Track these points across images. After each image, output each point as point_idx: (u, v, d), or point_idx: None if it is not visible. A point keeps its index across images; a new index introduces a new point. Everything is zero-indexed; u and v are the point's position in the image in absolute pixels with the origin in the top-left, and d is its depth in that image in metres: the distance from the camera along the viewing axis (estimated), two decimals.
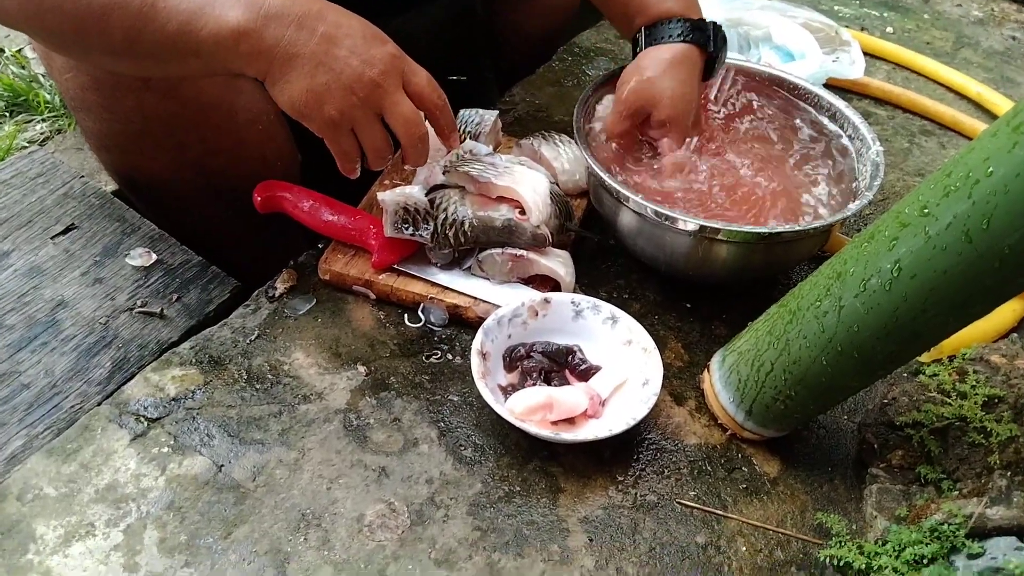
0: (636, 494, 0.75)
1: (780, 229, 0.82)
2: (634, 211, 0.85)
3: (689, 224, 0.82)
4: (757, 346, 0.74)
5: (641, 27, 0.93)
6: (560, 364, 0.83)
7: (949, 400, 0.77)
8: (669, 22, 0.91)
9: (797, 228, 0.82)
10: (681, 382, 0.85)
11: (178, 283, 0.90)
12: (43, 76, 1.30)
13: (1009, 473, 0.68)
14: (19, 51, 1.35)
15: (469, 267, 0.90)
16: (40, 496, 0.71)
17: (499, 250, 0.88)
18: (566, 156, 0.98)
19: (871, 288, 0.64)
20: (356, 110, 0.73)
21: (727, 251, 0.84)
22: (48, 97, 1.25)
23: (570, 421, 0.78)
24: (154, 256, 0.92)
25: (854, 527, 0.75)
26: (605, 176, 0.85)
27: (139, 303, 0.88)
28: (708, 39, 0.91)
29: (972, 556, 0.65)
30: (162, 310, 0.87)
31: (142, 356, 0.84)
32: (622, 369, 0.81)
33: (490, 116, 1.02)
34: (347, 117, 0.74)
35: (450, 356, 0.86)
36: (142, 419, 0.77)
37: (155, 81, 0.84)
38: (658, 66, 0.90)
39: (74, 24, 0.71)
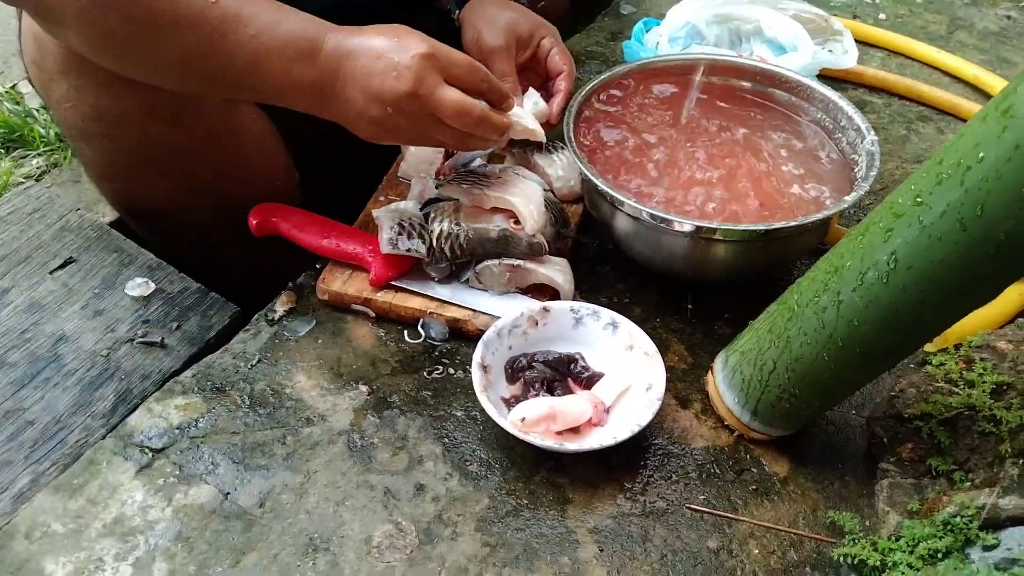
0: (645, 501, 0.75)
1: (778, 225, 0.81)
2: (630, 215, 0.84)
3: (686, 225, 0.81)
4: (759, 345, 0.74)
5: None
6: (562, 373, 0.82)
7: (957, 389, 0.76)
8: None
9: (795, 223, 0.82)
10: (686, 385, 0.84)
11: (178, 311, 0.90)
12: (37, 111, 1.31)
13: (1021, 461, 0.67)
14: (13, 87, 1.36)
15: (467, 280, 0.90)
16: (48, 533, 0.71)
17: (496, 261, 0.88)
18: (560, 163, 0.98)
19: (869, 281, 0.64)
20: (415, 125, 0.77)
21: (725, 250, 0.83)
22: (43, 132, 1.26)
23: (575, 430, 0.78)
24: (153, 285, 0.92)
25: (867, 524, 0.74)
26: (599, 182, 0.85)
27: (140, 333, 0.88)
28: None
29: (987, 548, 0.64)
30: (163, 339, 0.87)
31: (145, 387, 0.84)
32: (625, 375, 0.81)
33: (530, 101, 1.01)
34: (415, 133, 0.78)
35: (452, 370, 0.85)
36: (147, 450, 0.77)
37: (160, 110, 0.85)
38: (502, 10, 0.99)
39: (133, 29, 0.73)
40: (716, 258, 0.84)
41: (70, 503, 0.73)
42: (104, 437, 0.79)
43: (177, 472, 0.75)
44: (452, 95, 0.76)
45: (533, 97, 0.98)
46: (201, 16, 0.72)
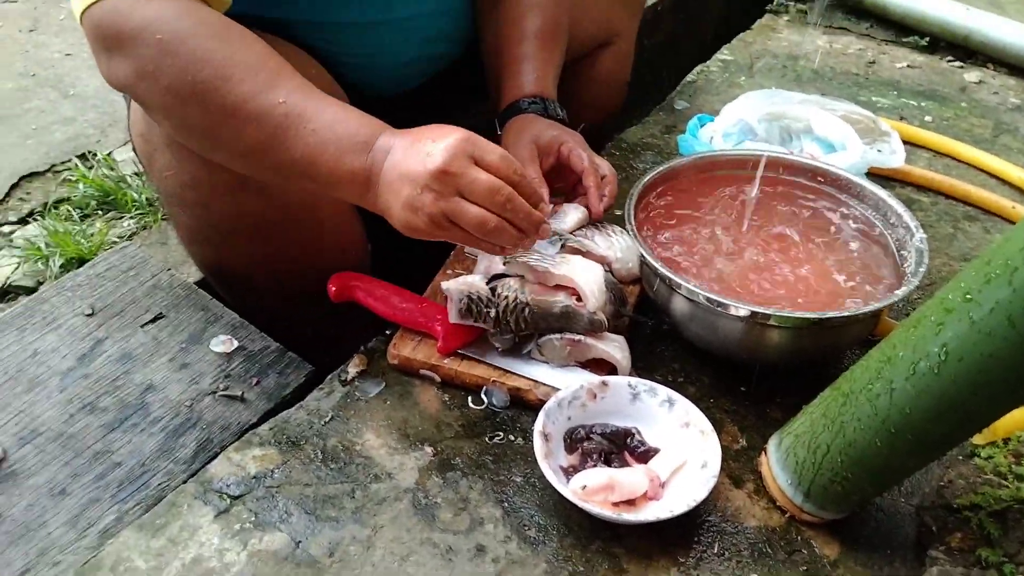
0: None
1: (831, 314, 0.85)
2: (687, 297, 0.89)
3: (741, 310, 0.86)
4: (812, 429, 0.77)
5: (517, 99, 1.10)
6: (619, 446, 0.86)
7: (1006, 483, 0.78)
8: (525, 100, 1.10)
9: (847, 313, 0.86)
10: (739, 465, 0.87)
11: (257, 368, 0.97)
12: (130, 177, 1.41)
13: None
14: (109, 154, 1.47)
15: (529, 351, 0.95)
16: (131, 568, 0.76)
17: (558, 335, 0.93)
18: (619, 245, 1.04)
19: (920, 371, 0.67)
20: (440, 203, 0.78)
21: (779, 336, 0.87)
22: (135, 196, 1.35)
23: (630, 502, 0.81)
24: (235, 343, 0.99)
25: None
26: (658, 265, 0.90)
27: (221, 387, 0.94)
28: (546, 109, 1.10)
29: None
30: (243, 393, 0.93)
31: (224, 437, 0.89)
32: (680, 452, 0.84)
33: (575, 211, 1.08)
34: (438, 214, 0.79)
35: (512, 437, 0.89)
36: (225, 496, 0.82)
37: (251, 181, 0.93)
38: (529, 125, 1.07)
39: (208, 122, 0.81)
40: (769, 343, 0.88)
41: (152, 541, 0.78)
42: (185, 482, 0.84)
43: (253, 519, 0.80)
44: (484, 175, 0.78)
45: (581, 211, 1.06)
46: (268, 114, 0.79)
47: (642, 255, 0.93)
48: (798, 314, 0.85)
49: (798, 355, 0.92)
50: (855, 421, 0.73)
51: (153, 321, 1.02)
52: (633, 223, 0.96)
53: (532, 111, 1.09)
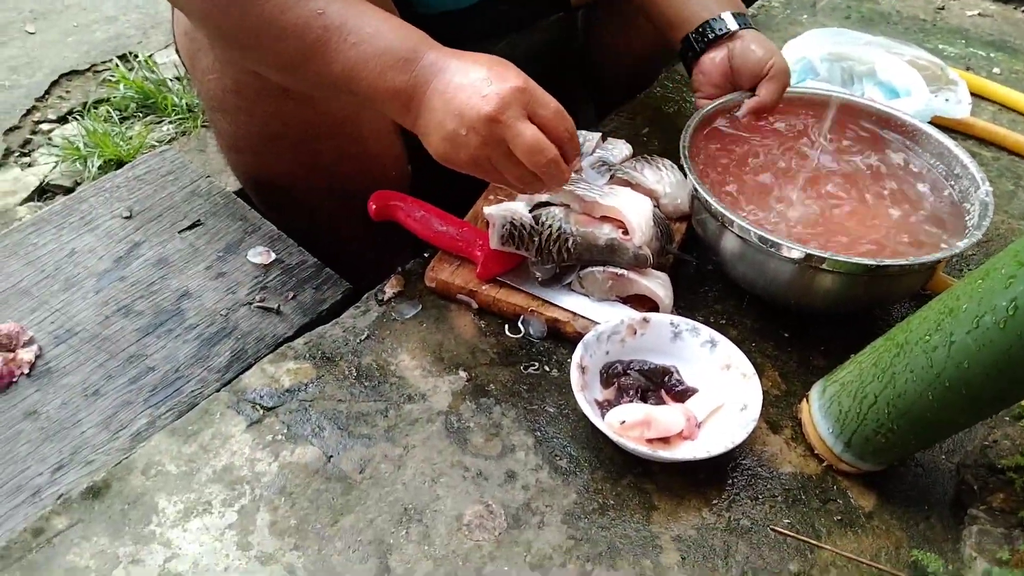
0: (730, 517, 0.76)
1: (888, 262, 0.82)
2: (738, 235, 0.86)
3: (794, 251, 0.83)
4: (861, 378, 0.75)
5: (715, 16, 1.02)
6: (656, 384, 0.84)
7: None
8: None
9: (903, 262, 0.82)
10: (777, 411, 0.86)
11: (294, 282, 0.95)
12: (171, 80, 1.39)
13: None
14: (150, 56, 1.44)
15: (570, 283, 0.93)
16: (162, 472, 0.76)
17: (600, 268, 0.90)
18: (668, 180, 1.00)
19: (984, 325, 0.64)
20: (484, 148, 0.76)
21: (830, 281, 0.84)
22: (176, 100, 1.33)
23: (664, 440, 0.80)
24: (273, 255, 0.97)
25: (951, 567, 0.74)
26: (711, 199, 0.87)
27: (258, 298, 0.93)
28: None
29: None
30: (279, 306, 0.92)
31: (258, 348, 0.89)
32: (719, 393, 0.82)
33: (592, 137, 1.05)
34: (481, 156, 0.77)
35: (547, 368, 0.88)
36: (258, 407, 0.82)
37: (295, 91, 0.90)
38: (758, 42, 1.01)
39: (246, 33, 0.78)
40: (820, 288, 0.85)
41: (184, 447, 0.78)
42: (218, 390, 0.84)
43: (285, 431, 0.80)
44: (531, 130, 0.76)
45: (628, 147, 1.03)
46: (307, 25, 0.76)
47: (694, 188, 0.89)
48: (853, 259, 0.82)
49: (848, 303, 0.89)
50: (907, 372, 0.70)
51: (191, 228, 1.00)
52: (687, 155, 0.92)
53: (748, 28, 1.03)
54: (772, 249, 0.84)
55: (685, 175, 0.93)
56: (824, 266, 0.82)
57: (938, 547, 0.76)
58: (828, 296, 0.86)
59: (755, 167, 0.98)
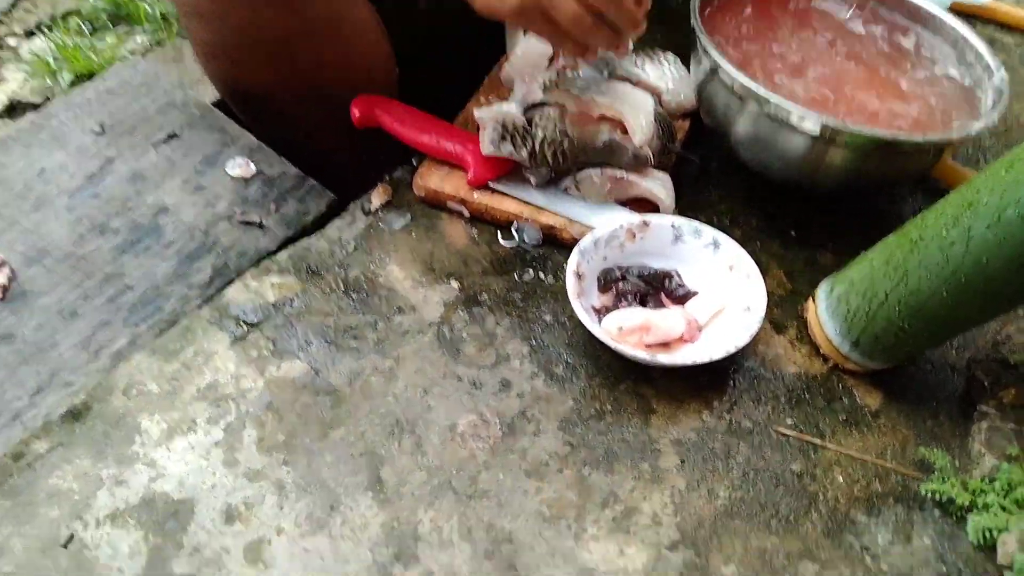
0: (731, 420, 0.74)
1: (902, 137, 0.78)
2: (753, 106, 0.81)
3: (810, 122, 0.78)
4: (871, 276, 0.71)
5: None
6: (656, 288, 0.81)
7: None
8: None
9: (920, 139, 0.79)
10: (782, 311, 0.82)
11: (276, 194, 0.91)
12: None
13: None
14: None
15: (565, 187, 0.88)
16: (144, 392, 0.74)
17: (598, 170, 0.86)
18: (671, 75, 0.95)
19: (1007, 219, 0.60)
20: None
21: (843, 156, 0.80)
22: (148, 10, 1.26)
23: (664, 345, 0.77)
24: (253, 167, 0.93)
25: (957, 464, 0.72)
26: (727, 65, 0.81)
27: (239, 212, 0.89)
28: None
29: None
30: (261, 220, 0.88)
31: (241, 263, 0.86)
32: (721, 295, 0.79)
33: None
34: (534, 1, 0.71)
35: (542, 276, 0.85)
36: (242, 323, 0.79)
37: None
38: None
39: None
40: (832, 163, 0.81)
41: (166, 366, 0.76)
42: (200, 307, 0.81)
43: (271, 347, 0.77)
44: None
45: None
46: None
47: (709, 54, 0.83)
48: (868, 132, 0.78)
49: (859, 179, 0.84)
50: (921, 269, 0.67)
51: (167, 141, 0.96)
52: (700, 23, 0.86)
53: None
54: (788, 120, 0.79)
55: (698, 47, 0.87)
56: (840, 139, 0.78)
57: (946, 444, 0.74)
58: (839, 172, 0.82)
59: (766, 44, 0.92)
